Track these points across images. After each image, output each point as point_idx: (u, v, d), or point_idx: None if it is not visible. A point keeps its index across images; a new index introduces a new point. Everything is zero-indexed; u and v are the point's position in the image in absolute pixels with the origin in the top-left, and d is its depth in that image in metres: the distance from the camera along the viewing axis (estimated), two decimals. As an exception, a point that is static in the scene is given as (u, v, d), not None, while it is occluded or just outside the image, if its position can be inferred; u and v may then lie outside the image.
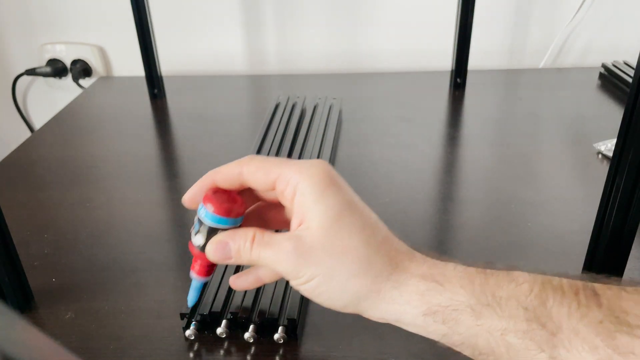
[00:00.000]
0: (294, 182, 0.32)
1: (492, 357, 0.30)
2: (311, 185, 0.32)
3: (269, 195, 0.36)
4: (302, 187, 0.32)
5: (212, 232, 0.34)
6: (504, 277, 0.30)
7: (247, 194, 0.36)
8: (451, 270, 0.31)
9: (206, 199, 0.34)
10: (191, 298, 0.37)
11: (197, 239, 0.34)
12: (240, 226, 0.34)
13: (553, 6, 0.92)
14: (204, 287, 0.40)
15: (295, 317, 0.39)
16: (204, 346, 0.40)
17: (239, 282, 0.38)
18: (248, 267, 0.37)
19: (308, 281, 0.32)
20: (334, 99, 0.76)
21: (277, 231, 0.35)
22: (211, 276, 0.37)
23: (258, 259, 0.33)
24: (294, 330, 0.40)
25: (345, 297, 0.32)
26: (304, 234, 0.32)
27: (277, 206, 0.36)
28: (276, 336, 0.39)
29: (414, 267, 0.32)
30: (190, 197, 0.35)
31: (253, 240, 0.33)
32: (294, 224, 0.33)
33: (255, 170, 0.34)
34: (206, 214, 0.33)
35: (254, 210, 0.37)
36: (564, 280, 0.29)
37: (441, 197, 0.57)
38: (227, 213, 0.33)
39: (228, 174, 0.34)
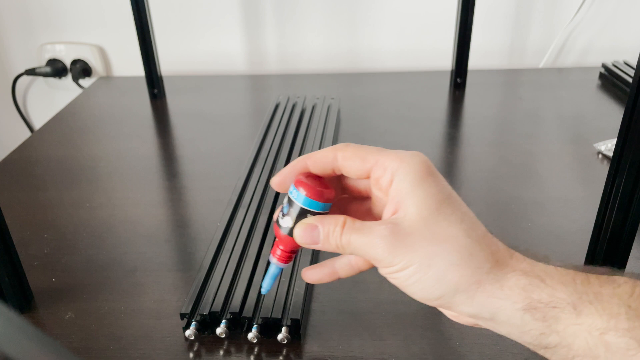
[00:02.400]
0: (392, 169, 0.32)
1: None
2: (411, 173, 0.31)
3: (359, 186, 0.35)
4: (401, 174, 0.31)
5: (301, 215, 0.33)
6: (604, 278, 0.29)
7: (334, 183, 0.35)
8: (552, 268, 0.30)
9: (298, 182, 0.33)
10: (266, 285, 0.36)
11: (285, 221, 0.33)
12: (328, 212, 0.34)
13: (553, 6, 0.92)
14: (278, 275, 0.37)
15: (299, 318, 0.39)
16: (203, 346, 0.40)
17: (313, 275, 0.36)
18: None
19: (402, 269, 0.30)
20: (332, 98, 0.76)
21: None
22: (290, 263, 0.36)
23: (348, 245, 0.32)
24: (297, 331, 0.40)
25: (441, 288, 0.30)
26: (400, 221, 0.31)
27: (360, 199, 0.35)
28: (280, 337, 0.39)
29: (514, 262, 0.30)
30: (280, 180, 0.35)
31: (344, 225, 0.32)
32: (387, 212, 0.32)
33: (352, 156, 0.33)
34: (298, 195, 0.33)
35: (336, 203, 0.35)
36: None
37: (441, 197, 0.57)
38: (320, 197, 0.33)
39: (322, 159, 0.34)
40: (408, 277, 0.30)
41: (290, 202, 0.33)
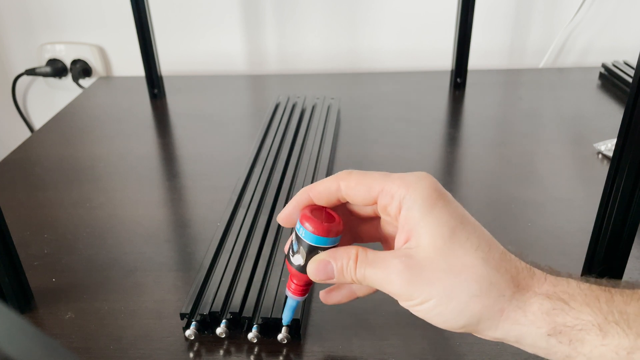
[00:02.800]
0: (399, 197, 0.31)
1: None
2: (419, 199, 0.30)
3: (365, 211, 0.34)
4: (409, 202, 0.31)
5: (311, 252, 0.33)
6: (628, 294, 0.29)
7: (340, 208, 0.35)
8: (574, 287, 0.29)
9: (304, 218, 0.32)
10: (286, 317, 0.37)
11: (297, 259, 0.33)
12: (338, 244, 0.33)
13: (553, 6, 0.92)
14: (298, 304, 0.37)
15: (299, 318, 0.39)
16: (204, 346, 0.40)
17: (332, 297, 0.37)
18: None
19: (423, 303, 0.30)
20: (332, 99, 0.76)
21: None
22: (307, 294, 0.36)
23: (364, 279, 0.32)
24: (297, 331, 0.40)
25: (464, 319, 0.30)
26: (414, 252, 0.30)
27: (370, 220, 0.35)
28: (280, 336, 0.39)
29: (536, 285, 0.30)
30: (285, 216, 0.34)
31: (357, 259, 0.32)
32: (399, 240, 0.31)
33: (355, 185, 0.32)
34: (305, 233, 0.32)
35: (345, 224, 0.35)
36: None
37: (441, 197, 0.57)
38: (327, 232, 0.32)
39: (325, 191, 0.33)
40: (429, 310, 0.30)
41: (298, 238, 0.33)
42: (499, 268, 0.30)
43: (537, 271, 0.31)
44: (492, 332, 0.30)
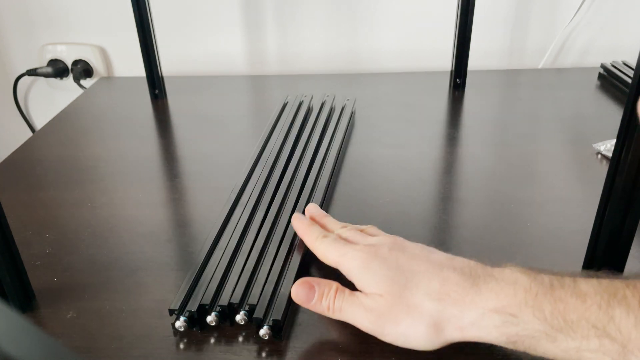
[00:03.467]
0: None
1: None
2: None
3: None
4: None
5: None
6: (570, 296, 0.32)
7: None
8: (521, 297, 0.33)
9: None
10: None
11: None
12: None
13: (553, 6, 0.92)
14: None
15: (279, 318, 0.40)
16: (204, 346, 0.40)
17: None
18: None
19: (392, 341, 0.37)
20: (347, 100, 0.76)
21: None
22: None
23: (340, 310, 0.38)
24: (279, 331, 0.40)
25: (430, 344, 0.36)
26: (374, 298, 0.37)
27: None
28: (261, 332, 0.39)
29: (482, 302, 0.34)
30: None
31: (337, 290, 0.38)
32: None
33: None
34: None
35: None
36: (627, 291, 0.31)
37: (441, 197, 0.57)
38: None
39: None
40: (401, 344, 0.37)
41: None
42: (440, 300, 0.35)
43: (482, 283, 0.35)
44: (460, 339, 0.36)
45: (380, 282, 0.37)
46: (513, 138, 0.70)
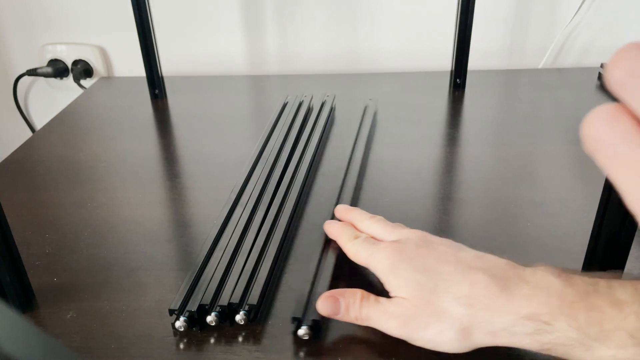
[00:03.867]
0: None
1: None
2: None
3: None
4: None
5: None
6: (607, 305, 0.32)
7: None
8: (555, 304, 0.33)
9: None
10: None
11: None
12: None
13: (553, 6, 0.92)
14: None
15: (318, 318, 0.40)
16: (204, 345, 0.40)
17: None
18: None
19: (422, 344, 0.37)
20: (371, 99, 0.76)
21: None
22: None
23: (367, 318, 0.38)
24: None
25: (459, 348, 0.36)
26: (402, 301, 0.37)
27: None
28: (300, 332, 0.39)
29: (514, 308, 0.34)
30: None
31: (362, 299, 0.38)
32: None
33: None
34: None
35: None
36: None
37: (441, 197, 0.57)
38: None
39: None
40: (431, 347, 0.37)
41: None
42: (471, 308, 0.35)
43: (514, 289, 0.34)
44: (493, 344, 0.35)
45: (407, 286, 0.37)
46: (513, 138, 0.70)
